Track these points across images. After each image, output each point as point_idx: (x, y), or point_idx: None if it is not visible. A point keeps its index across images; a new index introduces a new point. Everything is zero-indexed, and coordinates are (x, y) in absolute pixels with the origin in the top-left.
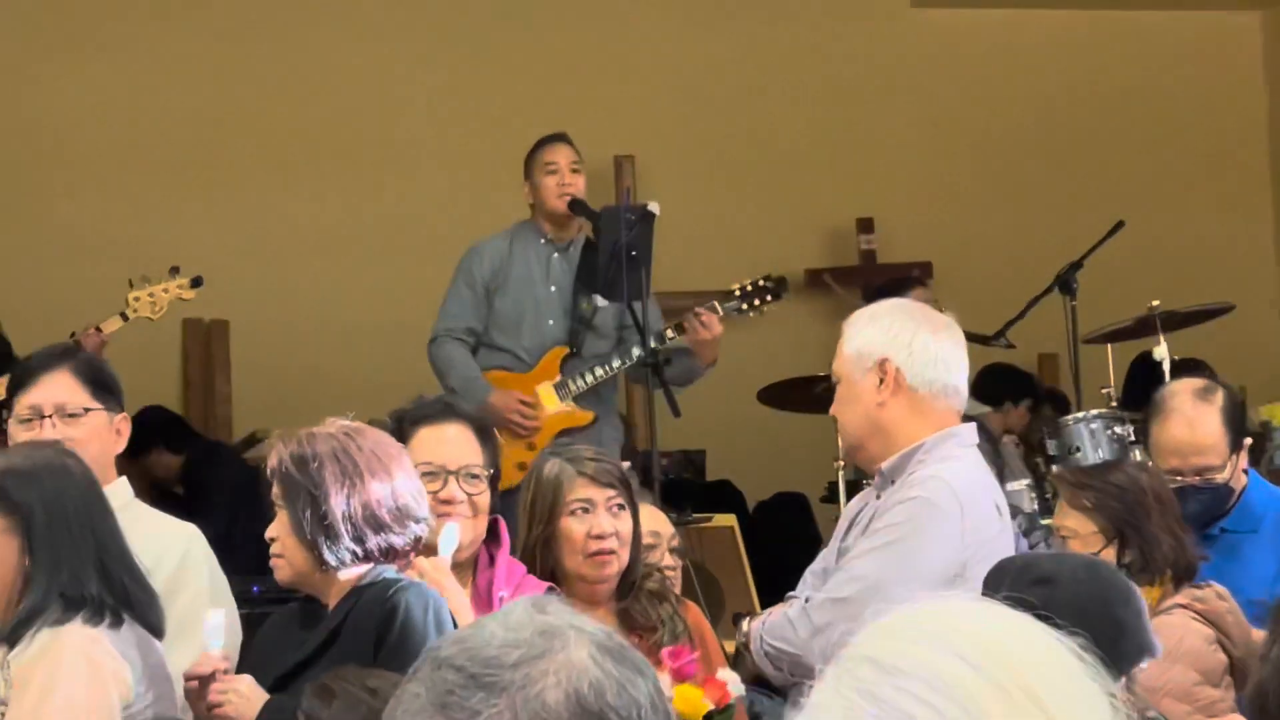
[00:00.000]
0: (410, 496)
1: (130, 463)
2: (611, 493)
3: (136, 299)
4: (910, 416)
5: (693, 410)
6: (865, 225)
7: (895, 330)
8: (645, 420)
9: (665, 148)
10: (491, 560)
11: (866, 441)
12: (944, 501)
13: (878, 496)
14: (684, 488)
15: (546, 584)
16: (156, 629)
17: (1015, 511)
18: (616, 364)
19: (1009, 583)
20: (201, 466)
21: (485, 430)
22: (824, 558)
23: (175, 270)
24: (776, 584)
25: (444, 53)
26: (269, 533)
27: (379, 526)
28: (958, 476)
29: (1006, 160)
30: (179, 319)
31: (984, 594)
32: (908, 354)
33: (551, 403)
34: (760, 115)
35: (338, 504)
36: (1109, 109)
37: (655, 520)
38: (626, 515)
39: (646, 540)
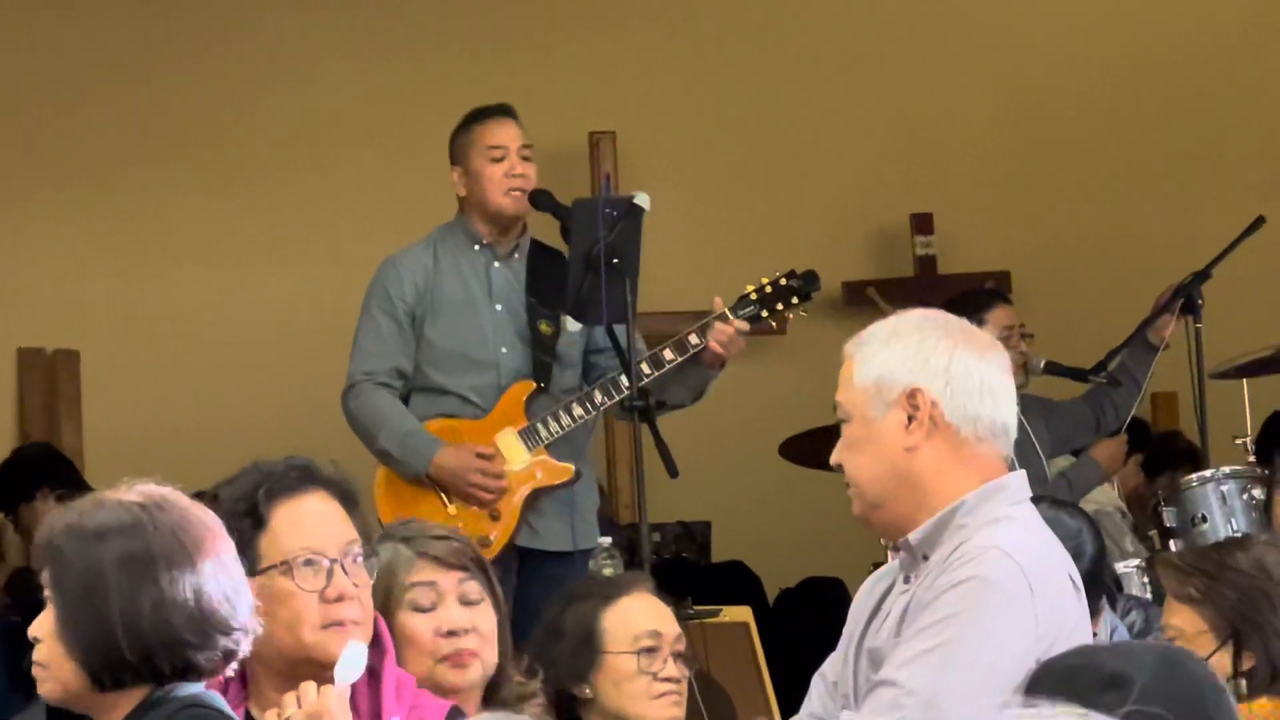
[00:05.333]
0: (222, 598)
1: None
2: (462, 575)
3: None
4: (950, 465)
5: (694, 469)
6: (922, 224)
7: (928, 350)
8: (631, 482)
9: (656, 122)
10: (374, 675)
11: (890, 499)
12: (1007, 580)
13: (906, 579)
14: (683, 571)
15: (449, 702)
16: None
17: (1128, 600)
18: (600, 399)
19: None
20: None
21: (352, 499)
22: (833, 665)
23: None
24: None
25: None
26: (33, 631)
27: (180, 641)
28: (1020, 545)
29: (1105, 140)
30: (11, 349)
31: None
32: (945, 381)
33: (517, 456)
34: (781, 82)
35: (132, 605)
36: (1242, 75)
37: (655, 615)
38: (488, 608)
39: (644, 643)
